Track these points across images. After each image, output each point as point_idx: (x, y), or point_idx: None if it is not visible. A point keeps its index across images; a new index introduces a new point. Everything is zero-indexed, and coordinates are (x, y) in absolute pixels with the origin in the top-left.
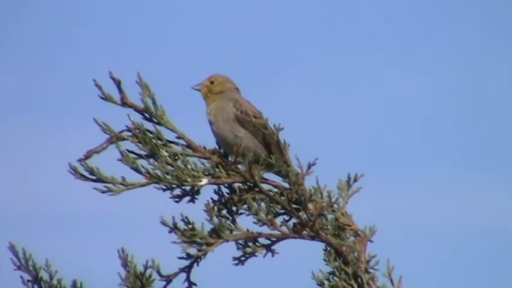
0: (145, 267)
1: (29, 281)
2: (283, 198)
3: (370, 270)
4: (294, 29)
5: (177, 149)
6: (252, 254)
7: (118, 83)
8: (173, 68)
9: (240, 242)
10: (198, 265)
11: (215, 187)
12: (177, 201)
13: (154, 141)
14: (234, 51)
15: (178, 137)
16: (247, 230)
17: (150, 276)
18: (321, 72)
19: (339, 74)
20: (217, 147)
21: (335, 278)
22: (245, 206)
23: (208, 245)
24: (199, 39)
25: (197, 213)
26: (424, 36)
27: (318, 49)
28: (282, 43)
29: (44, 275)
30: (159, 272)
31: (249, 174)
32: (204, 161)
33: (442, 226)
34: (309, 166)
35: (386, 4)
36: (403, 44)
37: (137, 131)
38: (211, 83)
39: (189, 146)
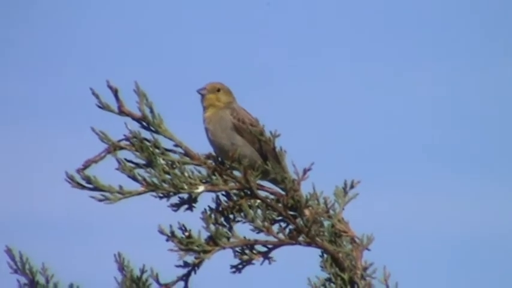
0: (142, 272)
1: (25, 284)
2: (279, 204)
3: (367, 277)
4: (289, 32)
5: (175, 157)
6: (249, 262)
7: (115, 92)
8: (169, 74)
9: (237, 249)
10: (195, 273)
11: (213, 195)
12: (175, 210)
13: (151, 149)
14: (229, 55)
15: (176, 145)
16: (244, 238)
17: (146, 280)
18: (316, 77)
19: (334, 78)
20: (213, 153)
21: (331, 284)
22: (242, 214)
23: (205, 252)
24: (194, 47)
25: (195, 221)
26: (418, 35)
27: (314, 51)
28: (277, 46)
29: (41, 279)
30: (157, 281)
31: (244, 180)
32: (201, 168)
33: (439, 232)
34: (305, 171)
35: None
36: (399, 47)
37: (134, 139)
38: (218, 90)
39: (187, 154)
